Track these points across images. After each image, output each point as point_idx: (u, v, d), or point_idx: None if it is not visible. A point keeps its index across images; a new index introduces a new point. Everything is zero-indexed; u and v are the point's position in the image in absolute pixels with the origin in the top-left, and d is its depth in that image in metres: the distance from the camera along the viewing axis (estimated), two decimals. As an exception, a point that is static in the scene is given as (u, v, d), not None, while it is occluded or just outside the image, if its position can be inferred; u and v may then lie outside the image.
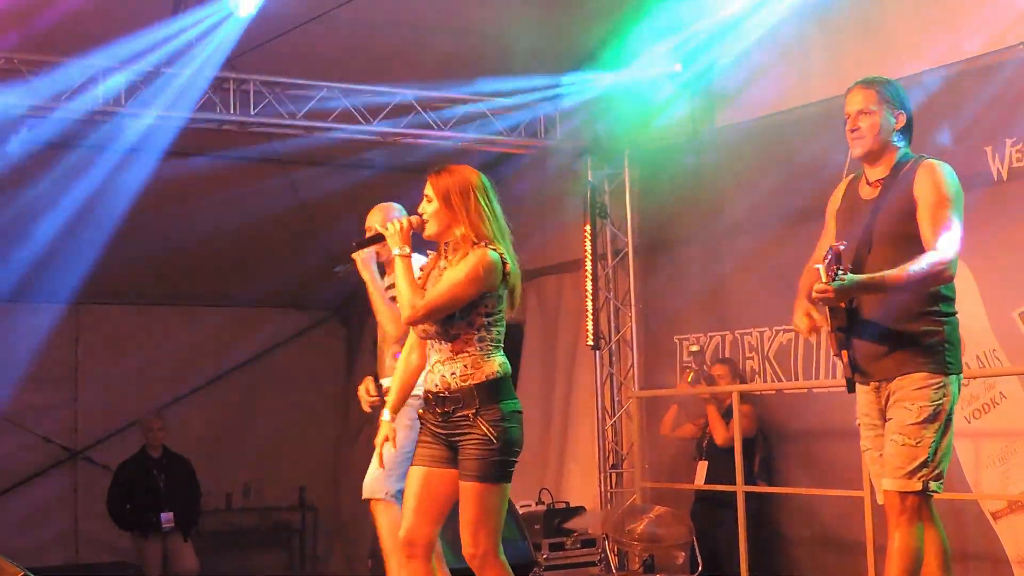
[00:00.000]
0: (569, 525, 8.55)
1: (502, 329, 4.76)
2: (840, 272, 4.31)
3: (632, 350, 9.29)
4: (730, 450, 7.85)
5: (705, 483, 8.18)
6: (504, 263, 4.67)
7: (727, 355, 8.53)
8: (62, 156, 8.63)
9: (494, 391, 4.62)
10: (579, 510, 8.77)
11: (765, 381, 8.25)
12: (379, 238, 4.94)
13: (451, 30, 8.40)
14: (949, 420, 4.54)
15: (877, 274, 4.44)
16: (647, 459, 8.79)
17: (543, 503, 8.85)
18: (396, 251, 4.78)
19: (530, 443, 10.04)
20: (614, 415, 9.32)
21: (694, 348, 8.56)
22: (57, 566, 10.45)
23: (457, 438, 4.64)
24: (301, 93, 8.29)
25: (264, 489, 11.85)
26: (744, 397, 7.84)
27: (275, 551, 12.12)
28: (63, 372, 11.16)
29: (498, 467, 4.59)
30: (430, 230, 4.78)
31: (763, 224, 8.23)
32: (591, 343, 9.19)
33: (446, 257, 4.79)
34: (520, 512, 8.54)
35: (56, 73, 7.66)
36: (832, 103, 7.81)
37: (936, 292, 4.55)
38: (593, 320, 9.14)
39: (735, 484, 7.62)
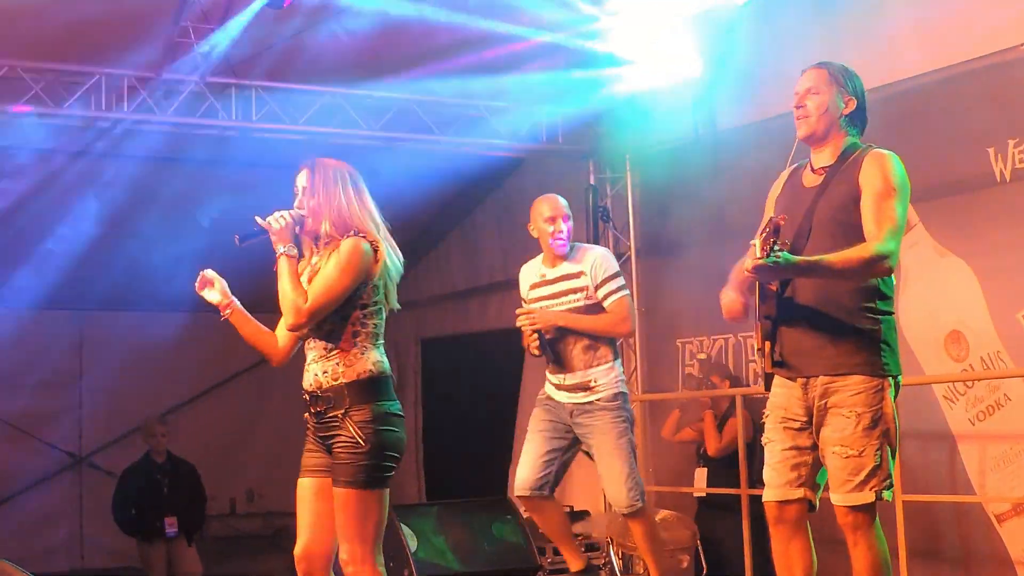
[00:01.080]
0: (573, 529, 8.53)
1: (380, 322, 4.57)
2: (776, 247, 4.06)
3: (635, 353, 9.28)
4: (726, 458, 7.93)
5: (707, 488, 8.19)
6: (376, 251, 4.51)
7: (730, 358, 8.53)
8: (68, 163, 8.65)
9: (366, 391, 4.43)
10: (583, 514, 8.76)
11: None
12: (264, 232, 4.62)
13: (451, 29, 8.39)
14: (892, 424, 4.32)
15: (814, 257, 4.21)
16: (651, 463, 8.78)
17: (547, 507, 8.82)
18: (282, 249, 4.54)
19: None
20: (618, 419, 9.29)
21: (701, 356, 8.54)
22: (63, 572, 10.48)
23: (330, 441, 4.46)
24: (302, 98, 8.29)
25: (267, 494, 11.84)
26: (744, 403, 7.82)
27: (278, 556, 12.07)
28: (68, 378, 11.18)
29: (367, 472, 4.36)
30: (309, 226, 4.60)
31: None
32: (594, 347, 9.16)
33: (318, 253, 4.60)
34: (524, 516, 8.53)
35: (60, 79, 7.69)
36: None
37: (874, 288, 4.35)
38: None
39: (736, 489, 7.66)
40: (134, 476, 10.03)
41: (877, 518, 4.37)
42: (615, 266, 6.23)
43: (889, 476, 4.32)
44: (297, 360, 12.75)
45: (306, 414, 4.59)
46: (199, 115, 8.02)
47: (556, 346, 6.17)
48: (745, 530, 7.38)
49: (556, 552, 8.35)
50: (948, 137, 6.98)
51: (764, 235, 4.07)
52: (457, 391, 11.41)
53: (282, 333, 4.76)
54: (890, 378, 4.35)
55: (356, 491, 4.37)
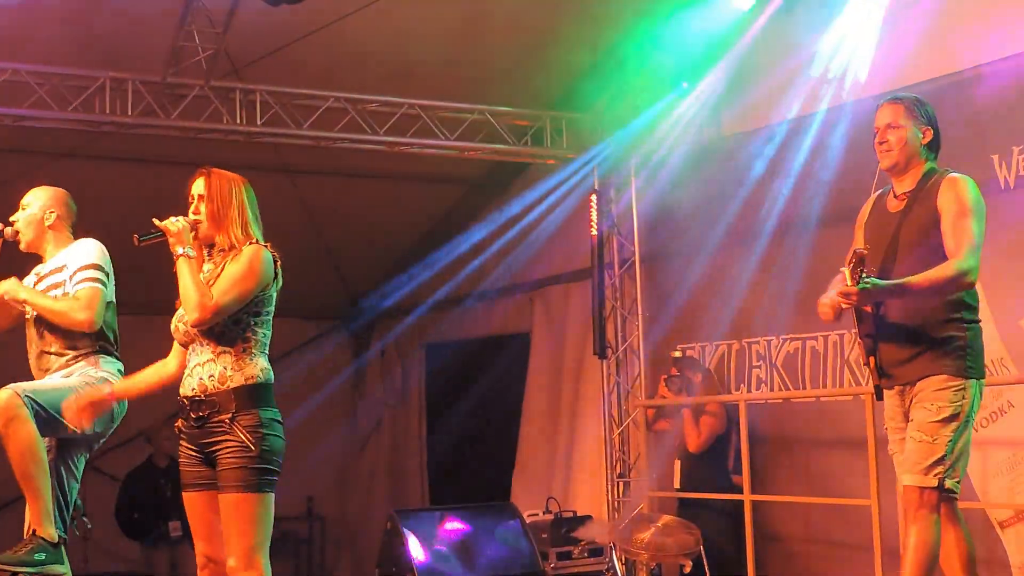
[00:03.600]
0: (576, 534, 8.54)
1: (268, 332, 4.58)
2: (864, 275, 4.51)
3: (639, 359, 9.28)
4: (703, 453, 8.11)
5: (680, 480, 8.27)
6: (276, 262, 4.57)
7: (732, 364, 8.55)
8: (76, 166, 8.66)
9: (253, 396, 4.43)
10: (586, 519, 8.75)
11: (772, 390, 8.24)
12: (162, 234, 4.56)
13: (460, 35, 8.41)
14: (968, 422, 4.68)
15: (900, 279, 4.66)
16: (654, 468, 8.78)
17: (550, 512, 8.84)
18: (181, 251, 4.49)
19: (537, 452, 10.20)
20: (621, 424, 9.31)
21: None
22: (66, 575, 10.44)
23: (213, 448, 4.42)
24: (308, 103, 8.31)
25: (271, 499, 11.83)
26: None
27: (283, 560, 12.11)
28: (70, 382, 11.16)
29: (257, 475, 4.37)
30: (204, 231, 4.58)
31: (770, 232, 8.23)
32: (598, 352, 9.18)
33: (211, 260, 4.60)
34: (527, 520, 8.54)
35: (65, 82, 7.70)
36: (836, 112, 7.89)
37: (959, 299, 4.75)
38: (600, 329, 9.13)
39: (711, 483, 7.95)
40: (137, 480, 10.06)
41: (960, 517, 4.76)
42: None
43: (955, 470, 4.65)
44: (298, 364, 12.69)
45: (179, 422, 4.55)
46: (203, 119, 8.02)
47: None
48: (748, 535, 7.38)
49: (560, 557, 8.37)
50: (952, 144, 6.92)
51: (852, 265, 4.54)
52: (461, 396, 11.41)
53: (175, 353, 4.74)
54: (972, 380, 4.72)
55: (248, 495, 4.37)
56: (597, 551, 8.50)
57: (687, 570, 7.60)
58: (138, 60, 7.80)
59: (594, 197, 9.23)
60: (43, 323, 5.42)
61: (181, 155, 8.09)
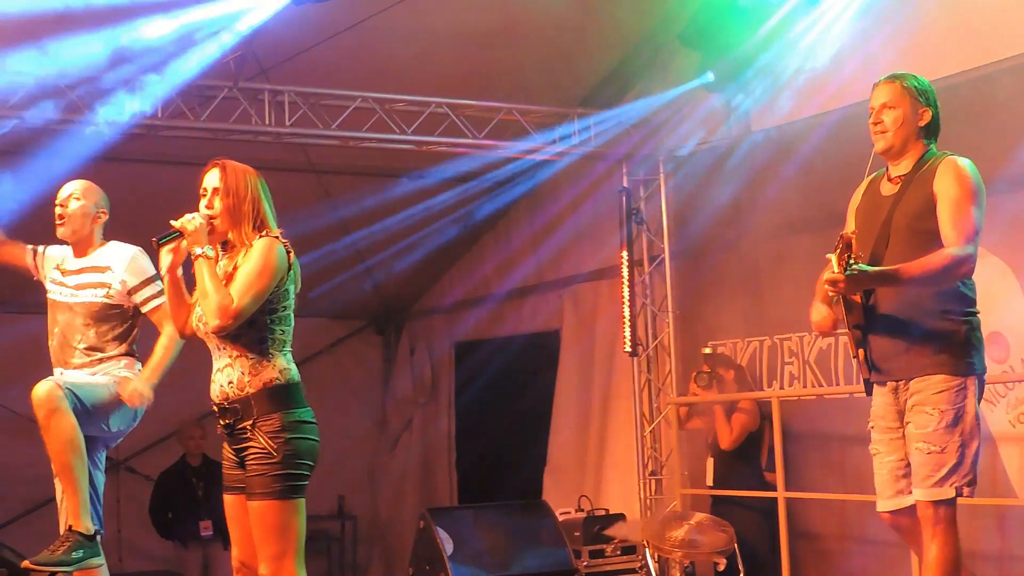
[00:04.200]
0: (609, 532, 8.53)
1: (288, 328, 4.46)
2: (852, 261, 4.26)
3: (670, 356, 9.24)
4: (735, 450, 8.09)
5: (713, 478, 8.26)
6: (289, 253, 4.42)
7: (764, 361, 8.51)
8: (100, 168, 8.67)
9: (274, 399, 4.33)
10: (619, 517, 8.74)
11: (805, 386, 8.19)
12: (179, 234, 4.45)
13: (488, 33, 8.38)
14: (975, 422, 4.45)
15: (892, 266, 4.40)
16: (686, 465, 8.75)
17: (582, 510, 8.83)
18: (199, 251, 4.36)
19: (568, 450, 10.18)
20: (652, 422, 9.28)
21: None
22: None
23: (243, 452, 4.36)
24: (335, 103, 8.31)
25: (303, 498, 11.86)
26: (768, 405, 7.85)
27: (315, 559, 12.04)
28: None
29: (281, 482, 4.28)
30: (219, 227, 4.46)
31: (800, 228, 8.18)
32: (629, 350, 9.15)
33: (229, 257, 4.46)
34: (560, 519, 8.53)
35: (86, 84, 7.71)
36: (867, 106, 7.82)
37: (955, 290, 4.49)
38: (630, 327, 9.10)
39: (744, 481, 7.95)
40: (170, 479, 10.10)
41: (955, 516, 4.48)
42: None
43: (970, 473, 4.43)
44: (328, 364, 12.73)
45: (218, 426, 4.49)
46: (232, 120, 8.03)
47: None
48: (783, 533, 7.35)
49: (592, 556, 8.36)
50: (984, 136, 6.91)
51: (838, 251, 4.27)
52: (490, 394, 11.40)
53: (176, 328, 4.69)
54: (973, 377, 4.48)
55: (272, 503, 4.29)
56: (630, 549, 8.49)
57: (721, 568, 7.58)
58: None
59: (623, 194, 9.20)
60: (91, 317, 5.43)
61: (209, 157, 8.10)
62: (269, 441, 4.29)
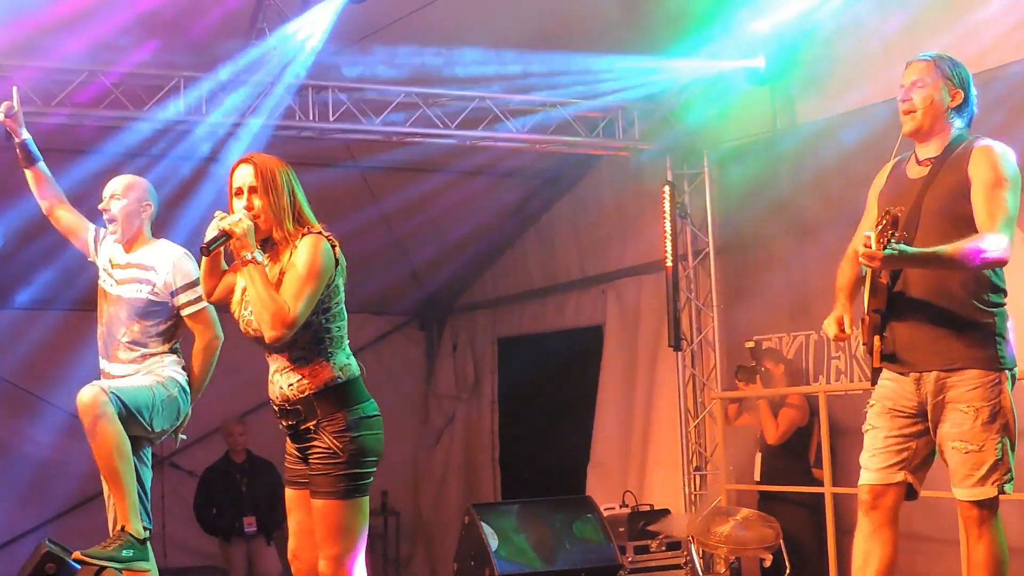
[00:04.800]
0: (654, 527, 8.50)
1: (343, 324, 4.32)
2: (894, 239, 4.04)
3: (714, 351, 9.20)
4: (781, 446, 8.04)
5: (761, 474, 8.21)
6: (334, 248, 4.28)
7: (811, 355, 8.45)
8: (141, 165, 8.71)
9: (336, 398, 4.22)
10: (664, 512, 8.70)
11: (852, 381, 8.12)
12: (227, 237, 4.25)
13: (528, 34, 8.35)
14: (1012, 417, 4.32)
15: (930, 248, 4.19)
16: (732, 460, 8.70)
17: (627, 505, 8.80)
18: (249, 256, 4.17)
19: (611, 445, 10.15)
20: (697, 417, 9.24)
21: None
22: (145, 570, 10.55)
23: (307, 450, 4.28)
24: (379, 99, 8.30)
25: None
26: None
27: (358, 556, 12.17)
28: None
29: (347, 481, 4.20)
30: (264, 226, 4.27)
31: (846, 222, 8.07)
32: (673, 344, 9.11)
33: (271, 258, 4.29)
34: (604, 514, 8.50)
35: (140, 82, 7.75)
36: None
37: (987, 279, 4.33)
38: (674, 321, 9.06)
39: (791, 476, 7.88)
40: (214, 476, 10.15)
41: (999, 513, 4.37)
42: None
43: (1010, 470, 4.31)
44: (370, 359, 12.75)
45: (280, 425, 4.40)
46: (278, 117, 8.04)
47: None
48: (830, 530, 7.29)
49: (637, 551, 8.33)
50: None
51: (882, 226, 4.05)
52: (534, 390, 11.39)
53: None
54: (1006, 371, 4.33)
55: (335, 502, 4.22)
56: (675, 545, 8.45)
57: (767, 564, 7.54)
58: (211, 58, 7.82)
59: (667, 188, 9.15)
60: (133, 312, 5.45)
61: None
62: (334, 441, 4.20)
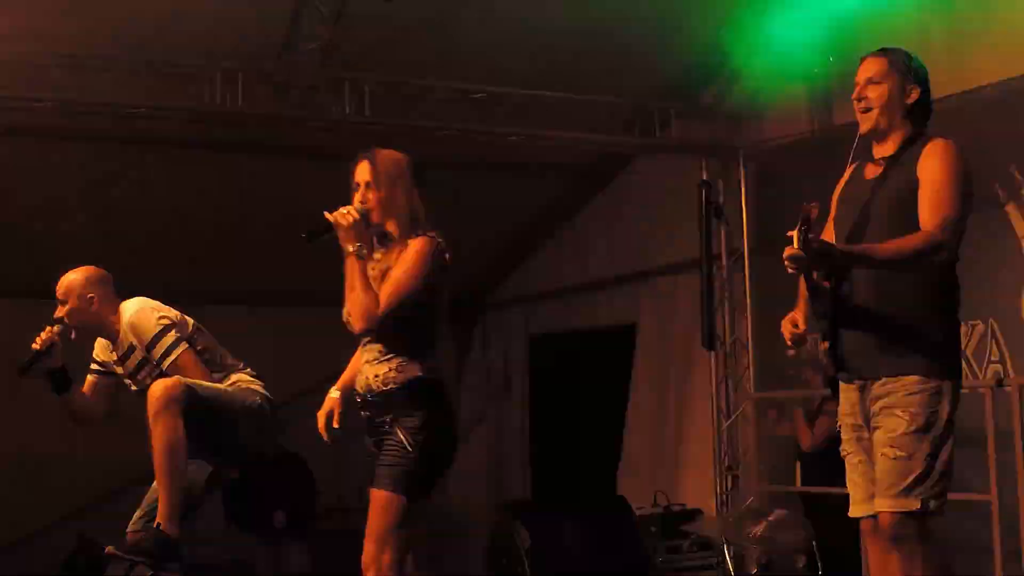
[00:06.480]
0: (686, 528, 8.46)
1: (438, 326, 4.40)
2: (811, 236, 3.86)
3: (748, 351, 9.15)
4: (818, 453, 7.88)
5: (801, 482, 8.11)
6: (444, 251, 4.33)
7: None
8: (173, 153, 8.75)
9: (416, 397, 4.27)
10: (696, 513, 8.67)
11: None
12: (332, 229, 4.33)
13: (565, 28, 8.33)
14: (949, 431, 4.07)
15: (859, 245, 4.05)
16: (765, 462, 8.65)
17: (659, 505, 8.77)
18: (351, 249, 4.27)
19: (643, 445, 10.10)
20: (730, 417, 9.19)
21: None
22: (174, 563, 10.57)
23: (381, 443, 4.32)
24: (416, 93, 8.28)
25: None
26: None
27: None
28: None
29: (410, 479, 4.23)
30: (374, 220, 4.36)
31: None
32: (706, 344, 9.06)
33: (383, 253, 4.38)
34: (636, 514, 8.47)
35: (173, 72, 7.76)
36: (952, 100, 7.67)
37: (935, 285, 4.13)
38: (708, 321, 9.00)
39: (828, 482, 7.54)
40: (246, 471, 10.13)
41: (933, 535, 4.08)
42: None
43: (939, 486, 4.05)
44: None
45: (361, 415, 4.46)
46: (313, 109, 8.04)
47: None
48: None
49: (670, 551, 8.29)
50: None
51: (798, 225, 3.87)
52: (565, 388, 11.35)
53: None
54: (949, 382, 4.11)
55: (394, 496, 4.24)
56: (706, 545, 8.41)
57: (800, 565, 7.49)
58: (248, 50, 7.83)
59: (702, 188, 9.10)
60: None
61: (292, 144, 8.17)
62: (407, 437, 4.23)
